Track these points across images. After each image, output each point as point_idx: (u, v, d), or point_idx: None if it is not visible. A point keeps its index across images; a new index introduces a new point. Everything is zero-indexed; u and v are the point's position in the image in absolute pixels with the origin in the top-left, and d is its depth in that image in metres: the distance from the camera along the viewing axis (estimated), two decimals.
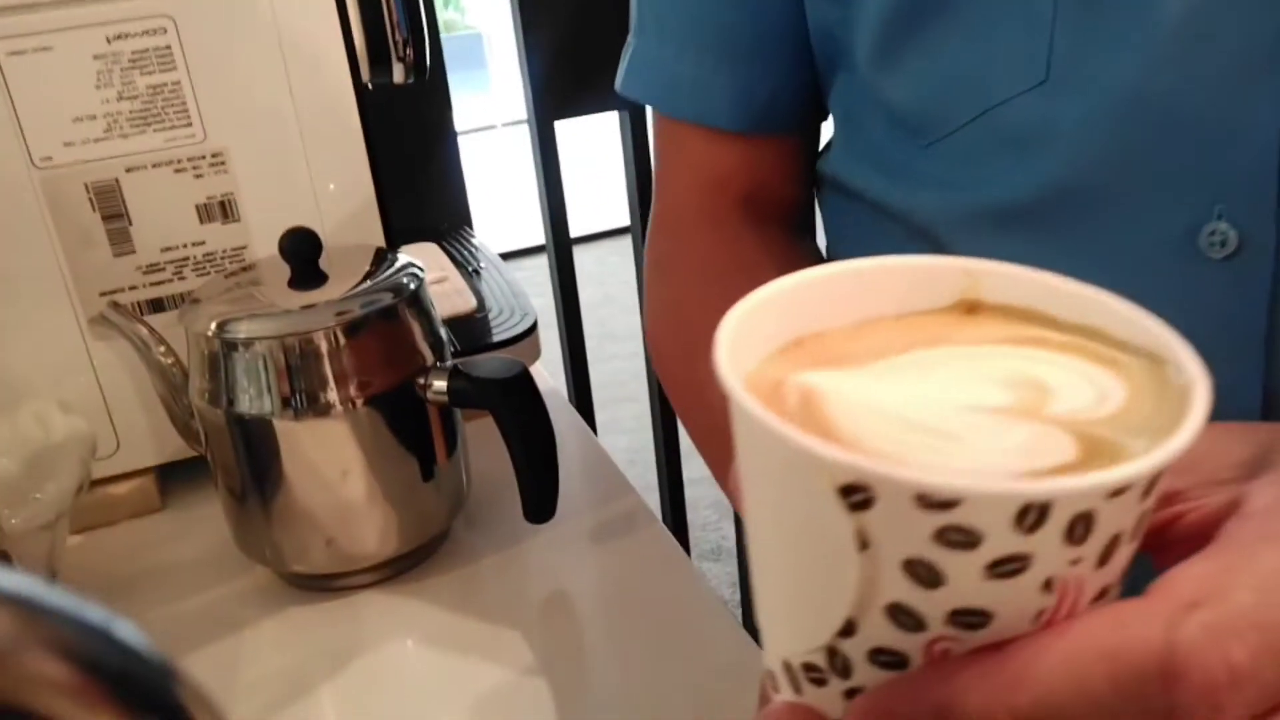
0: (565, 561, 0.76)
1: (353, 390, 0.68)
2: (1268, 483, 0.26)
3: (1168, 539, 0.27)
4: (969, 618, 0.23)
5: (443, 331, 0.74)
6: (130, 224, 0.77)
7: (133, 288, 0.79)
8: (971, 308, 0.29)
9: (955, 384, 0.26)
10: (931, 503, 0.21)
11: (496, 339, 0.92)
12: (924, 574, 0.22)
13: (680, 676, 0.63)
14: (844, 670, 0.25)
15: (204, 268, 0.80)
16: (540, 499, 0.71)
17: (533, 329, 0.94)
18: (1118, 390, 0.25)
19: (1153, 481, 0.23)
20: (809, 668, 0.26)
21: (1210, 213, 0.41)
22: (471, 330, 0.94)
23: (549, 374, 1.01)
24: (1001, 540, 0.22)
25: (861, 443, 0.23)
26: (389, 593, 0.73)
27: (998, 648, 0.23)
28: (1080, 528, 0.22)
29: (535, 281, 1.86)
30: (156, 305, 0.80)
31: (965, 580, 0.22)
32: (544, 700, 0.61)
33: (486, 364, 0.70)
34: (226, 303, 0.69)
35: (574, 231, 1.23)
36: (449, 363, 0.71)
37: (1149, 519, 0.24)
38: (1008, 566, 0.22)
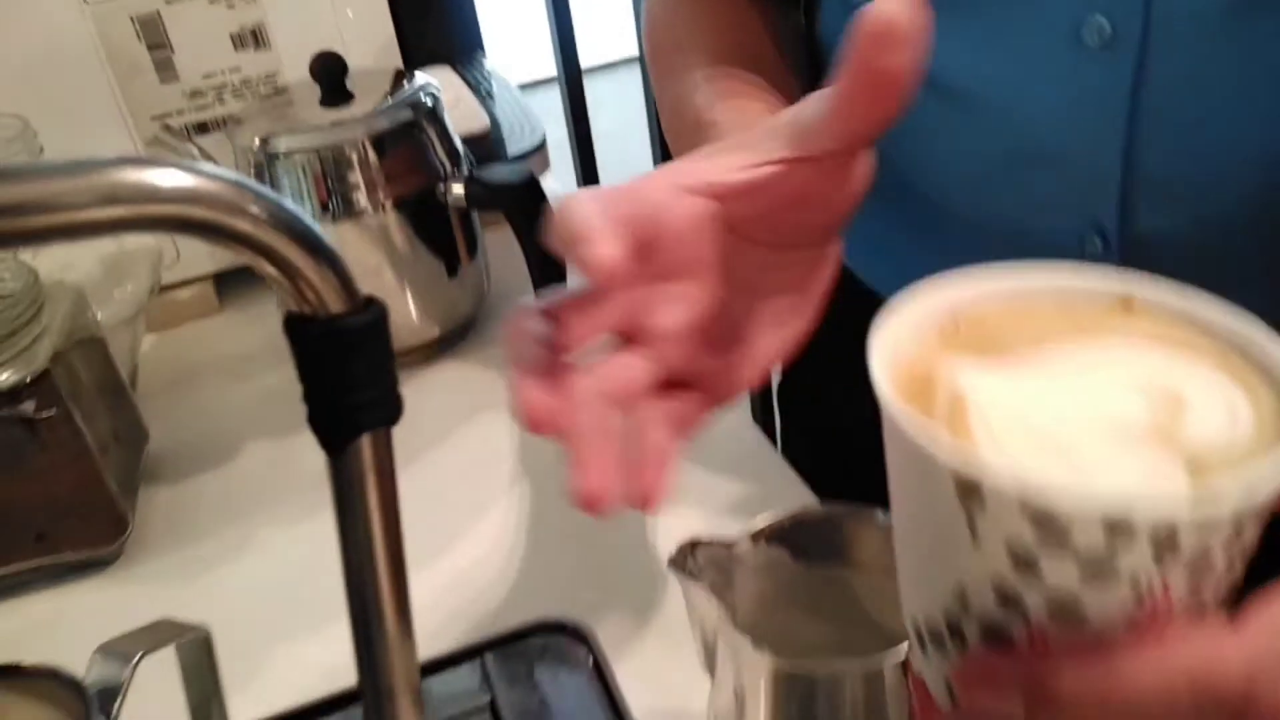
0: None
1: (381, 195, 0.78)
2: None
3: None
4: (1065, 613, 0.25)
5: (459, 144, 0.83)
6: (173, 52, 0.86)
7: (180, 112, 0.88)
8: (1128, 305, 0.30)
9: (1102, 389, 0.27)
10: (1028, 503, 0.24)
11: (509, 154, 1.00)
12: (1024, 565, 0.25)
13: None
14: (960, 640, 0.28)
15: (241, 92, 0.89)
16: (549, 288, 0.81)
17: (542, 144, 1.02)
18: (1245, 425, 0.26)
19: (1241, 520, 0.24)
20: (933, 633, 0.29)
21: (1091, 8, 0.49)
22: (485, 147, 1.03)
23: (560, 185, 1.10)
24: (1090, 544, 0.24)
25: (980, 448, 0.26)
26: (424, 371, 0.84)
27: (1095, 644, 0.25)
28: (1167, 548, 0.24)
29: (553, 112, 1.92)
30: (202, 128, 0.89)
31: (1059, 577, 0.25)
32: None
33: (498, 170, 0.80)
34: (267, 121, 0.78)
35: (590, 60, 1.28)
36: (463, 169, 0.81)
37: (1248, 553, 0.26)
38: (1097, 570, 0.24)
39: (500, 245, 0.84)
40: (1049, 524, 0.23)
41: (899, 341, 0.29)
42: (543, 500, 0.69)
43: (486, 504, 0.70)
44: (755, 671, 0.42)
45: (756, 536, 0.47)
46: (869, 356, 0.27)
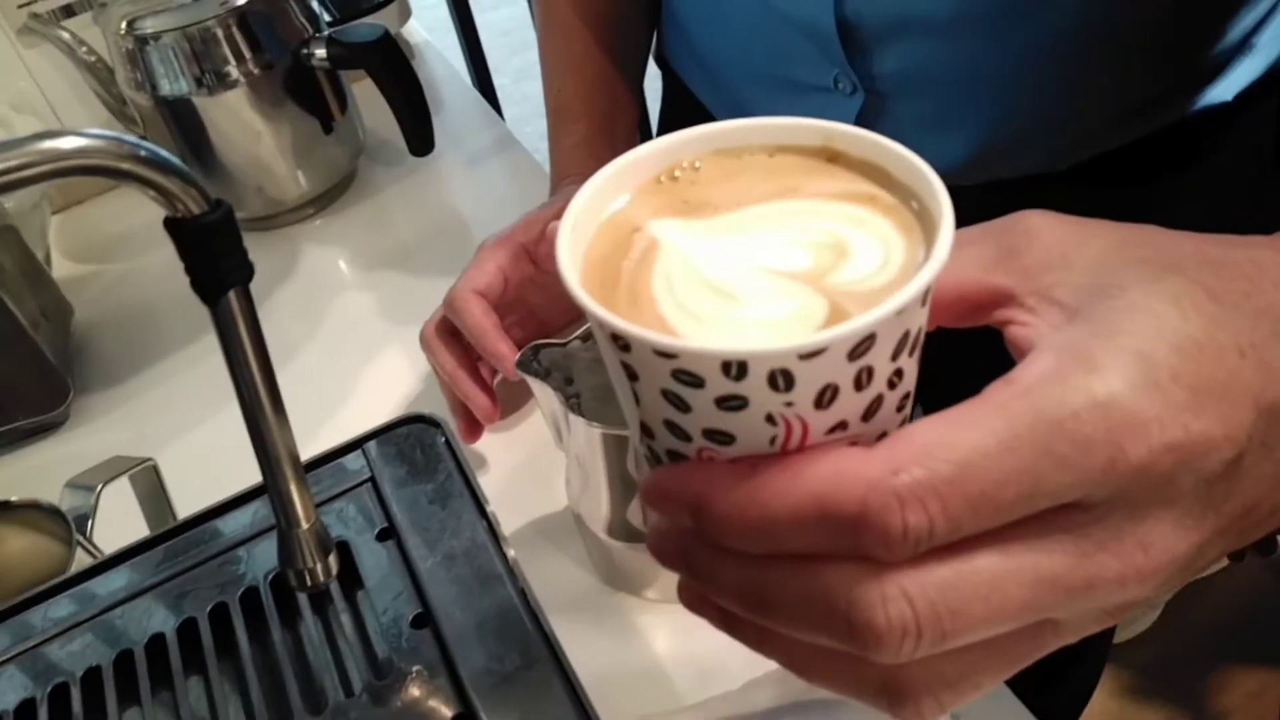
0: (452, 184, 0.95)
1: (250, 65, 0.84)
2: (1059, 344, 0.27)
3: (1007, 337, 0.30)
4: (717, 436, 0.28)
5: (315, 5, 0.89)
6: None
7: None
8: (832, 156, 0.32)
9: (776, 244, 0.30)
10: (661, 353, 0.26)
11: (366, 3, 1.06)
12: (675, 401, 0.28)
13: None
14: (657, 461, 0.31)
15: None
16: (418, 136, 0.89)
17: None
18: (896, 256, 0.29)
19: (851, 348, 0.26)
20: (646, 456, 0.32)
21: None
22: (351, 3, 1.08)
23: (425, 30, 1.16)
24: (718, 384, 0.26)
25: (658, 301, 0.29)
26: (318, 223, 0.93)
27: (750, 463, 0.27)
28: (780, 379, 0.26)
29: None
30: (68, 11, 0.93)
31: (704, 409, 0.27)
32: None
33: (357, 30, 0.86)
34: (130, 3, 0.84)
35: None
36: (325, 32, 0.87)
37: (878, 374, 0.27)
38: (731, 403, 0.27)
39: (376, 98, 0.92)
40: (678, 363, 0.26)
41: (613, 188, 0.32)
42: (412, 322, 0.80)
43: (362, 328, 0.81)
44: (590, 442, 0.54)
45: (586, 335, 0.58)
46: (569, 207, 0.30)
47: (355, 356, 0.78)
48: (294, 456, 0.35)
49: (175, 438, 0.74)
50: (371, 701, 0.40)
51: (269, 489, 0.35)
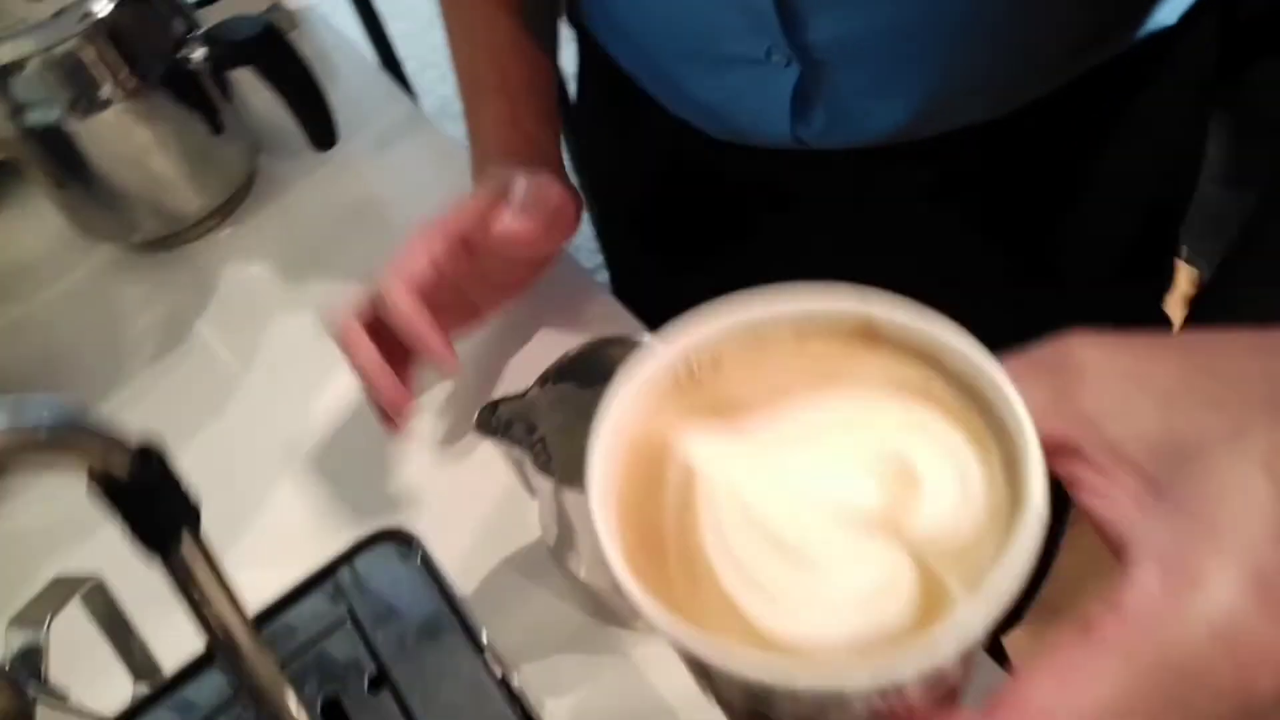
0: (363, 171, 0.89)
1: (124, 78, 0.77)
2: (1157, 550, 0.25)
3: (1081, 504, 0.28)
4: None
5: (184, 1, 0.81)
6: None
7: None
8: (870, 333, 0.28)
9: (830, 469, 0.26)
10: (748, 687, 0.24)
11: None
12: (759, 703, 0.25)
13: None
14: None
15: None
16: (318, 130, 0.83)
17: None
18: (976, 490, 0.26)
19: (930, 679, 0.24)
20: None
21: None
22: None
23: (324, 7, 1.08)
24: (811, 704, 0.24)
25: (716, 570, 0.25)
26: (225, 234, 0.87)
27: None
28: (878, 695, 0.24)
29: None
30: None
31: (792, 713, 0.25)
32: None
33: (236, 26, 0.79)
34: None
35: None
36: (199, 30, 0.80)
37: (959, 678, 0.26)
38: (822, 711, 0.25)
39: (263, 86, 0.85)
40: (769, 693, 0.24)
41: (631, 410, 0.28)
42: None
43: (300, 348, 0.75)
44: (562, 502, 0.51)
45: (543, 380, 0.55)
46: (589, 462, 0.27)
47: (299, 382, 0.73)
48: (279, 681, 0.32)
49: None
50: None
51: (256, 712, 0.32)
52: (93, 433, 0.27)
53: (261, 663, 0.31)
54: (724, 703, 0.27)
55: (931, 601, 0.24)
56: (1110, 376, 0.27)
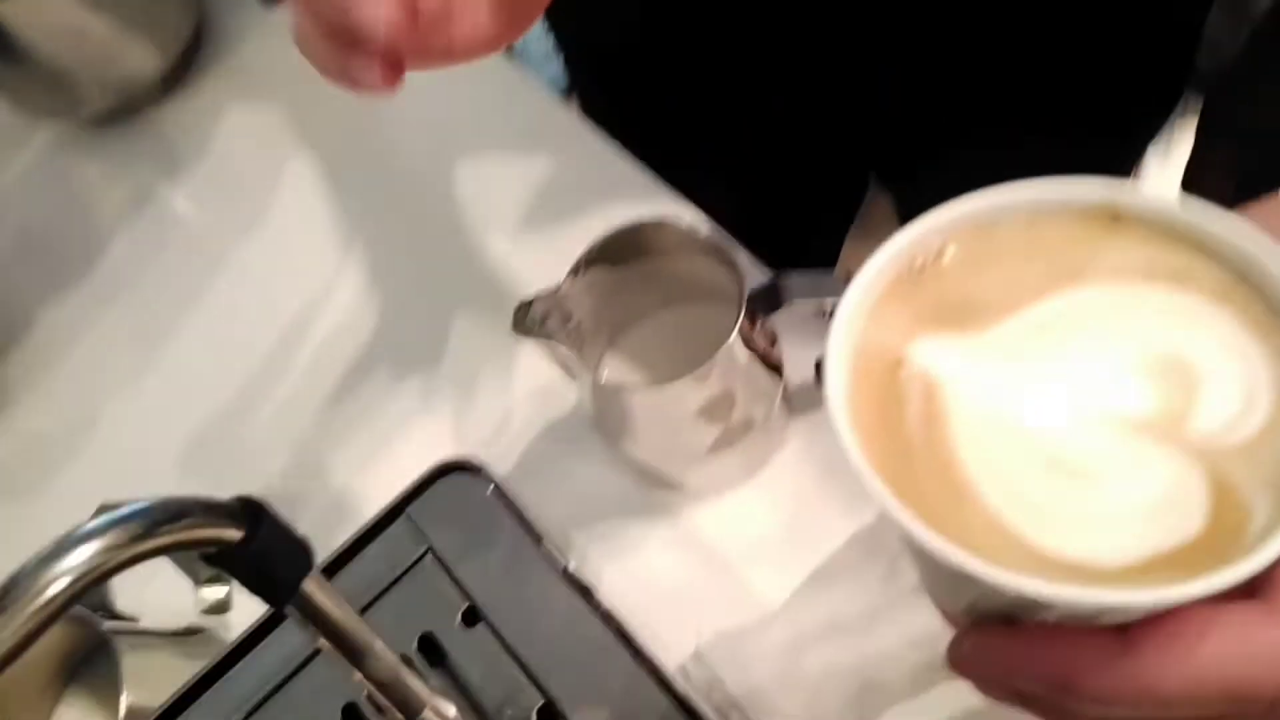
0: None
1: None
2: None
3: None
4: (1077, 619, 0.24)
5: None
6: None
7: None
8: (1114, 216, 0.25)
9: (1097, 370, 0.24)
10: (1024, 596, 0.22)
11: None
12: (1027, 611, 0.24)
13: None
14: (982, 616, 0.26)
15: None
16: None
17: None
18: (1262, 383, 0.23)
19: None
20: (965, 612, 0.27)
21: None
22: None
23: None
24: (1089, 613, 0.23)
25: (980, 489, 0.23)
26: (181, 100, 0.80)
27: (1119, 636, 0.23)
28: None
29: None
30: None
31: (1063, 615, 0.23)
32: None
33: None
34: None
35: None
36: None
37: None
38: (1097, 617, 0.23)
39: None
40: (1044, 604, 0.23)
41: (861, 317, 0.25)
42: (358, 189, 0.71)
43: (295, 214, 0.70)
44: (589, 380, 0.50)
45: (574, 271, 0.53)
46: (826, 378, 0.24)
47: (298, 260, 0.68)
48: (396, 669, 0.32)
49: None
50: None
51: (379, 702, 0.33)
52: (201, 509, 0.26)
53: (387, 665, 0.32)
54: (974, 610, 0.26)
55: (1226, 511, 0.22)
56: None
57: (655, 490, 0.56)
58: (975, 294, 0.25)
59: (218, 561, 0.27)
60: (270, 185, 0.74)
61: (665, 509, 0.55)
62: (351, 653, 0.31)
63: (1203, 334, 0.24)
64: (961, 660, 0.26)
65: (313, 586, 0.29)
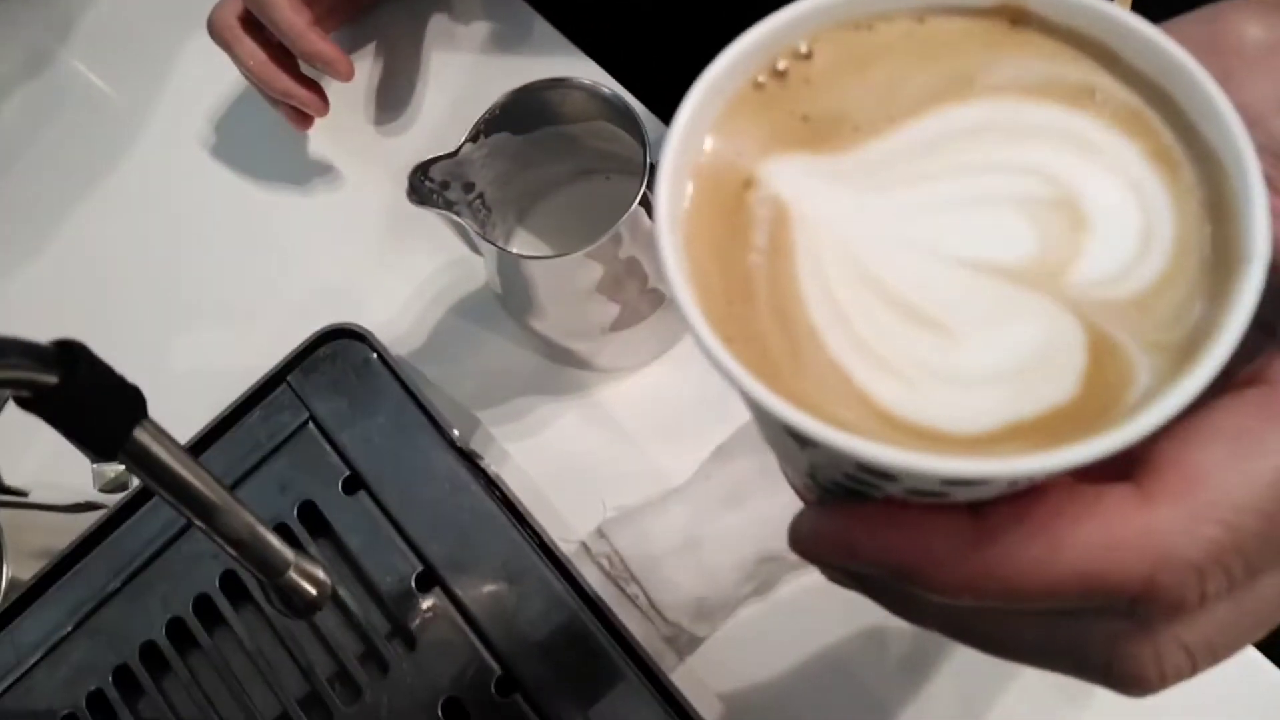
0: None
1: None
2: None
3: None
4: (924, 496, 0.21)
5: None
6: None
7: None
8: (1017, 15, 0.21)
9: (973, 206, 0.20)
10: (862, 465, 0.19)
11: None
12: (867, 482, 0.21)
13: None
14: (825, 491, 0.24)
15: None
16: None
17: None
18: (1163, 228, 0.20)
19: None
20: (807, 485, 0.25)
21: None
22: None
23: None
24: (937, 488, 0.20)
25: (827, 343, 0.20)
26: None
27: (972, 520, 0.20)
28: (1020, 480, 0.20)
29: None
30: None
31: (908, 487, 0.21)
32: None
33: None
34: None
35: None
36: None
37: None
38: (947, 490, 0.20)
39: None
40: (885, 472, 0.20)
41: (704, 126, 0.22)
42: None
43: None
44: (510, 266, 0.49)
45: (474, 134, 0.50)
46: (656, 187, 0.20)
47: (201, 124, 0.65)
48: (251, 527, 0.31)
49: None
50: (414, 672, 0.39)
51: (240, 561, 0.32)
52: (16, 347, 0.24)
53: (235, 516, 0.30)
54: (815, 482, 0.23)
55: (1104, 374, 0.19)
56: (1277, 55, 0.21)
57: (565, 368, 0.55)
58: (844, 106, 0.21)
59: (34, 408, 0.26)
60: (169, 49, 0.70)
61: (575, 386, 0.54)
62: (199, 509, 0.29)
63: (1099, 166, 0.20)
64: (799, 541, 0.23)
65: (146, 437, 0.27)
